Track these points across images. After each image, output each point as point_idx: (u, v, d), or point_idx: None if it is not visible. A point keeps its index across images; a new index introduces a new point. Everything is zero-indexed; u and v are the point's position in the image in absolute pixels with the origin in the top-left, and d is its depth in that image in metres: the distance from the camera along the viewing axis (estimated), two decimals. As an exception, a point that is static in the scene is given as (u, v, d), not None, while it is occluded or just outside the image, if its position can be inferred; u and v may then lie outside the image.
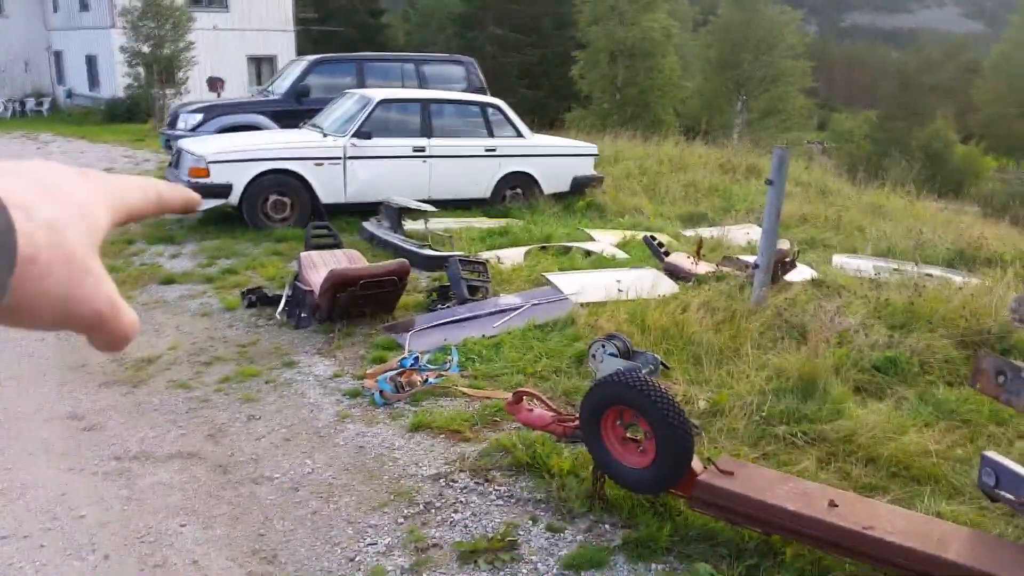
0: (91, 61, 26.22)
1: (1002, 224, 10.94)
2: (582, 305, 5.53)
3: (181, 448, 3.84)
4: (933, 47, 60.92)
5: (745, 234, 8.06)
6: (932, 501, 3.29)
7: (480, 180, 9.12)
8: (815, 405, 3.95)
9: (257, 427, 4.05)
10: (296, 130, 9.23)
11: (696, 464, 3.02)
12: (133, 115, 21.57)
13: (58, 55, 28.69)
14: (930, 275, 6.14)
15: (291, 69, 11.98)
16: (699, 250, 6.47)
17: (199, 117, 10.78)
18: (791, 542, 2.88)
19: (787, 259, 5.96)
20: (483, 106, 9.45)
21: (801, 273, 6.34)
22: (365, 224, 7.84)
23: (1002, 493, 2.80)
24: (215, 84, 17.37)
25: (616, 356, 4.24)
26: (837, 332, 4.71)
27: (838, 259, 7.35)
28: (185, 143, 8.62)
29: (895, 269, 6.41)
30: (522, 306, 5.63)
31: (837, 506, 2.78)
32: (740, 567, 2.80)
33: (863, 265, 6.97)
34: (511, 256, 7.09)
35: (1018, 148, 43.48)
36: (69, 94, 27.66)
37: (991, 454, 2.94)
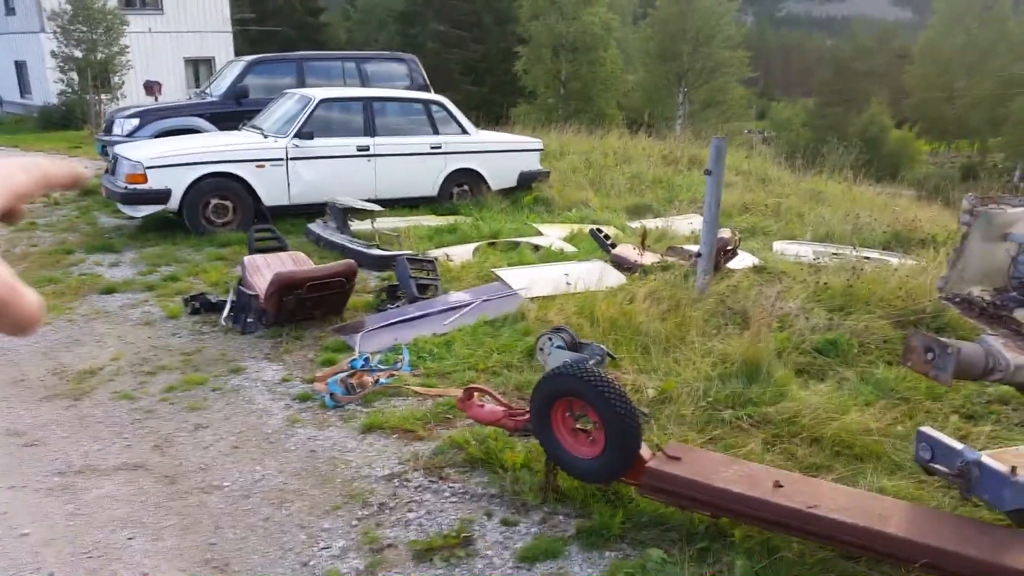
0: (20, 67, 25.33)
1: (935, 206, 11.32)
2: (532, 300, 5.57)
3: (127, 460, 3.76)
4: (865, 34, 62.62)
5: (689, 224, 8.19)
6: (874, 478, 3.40)
7: (426, 178, 9.09)
8: (759, 388, 4.05)
9: (205, 435, 3.98)
10: (236, 132, 9.07)
11: (645, 451, 3.07)
12: (68, 122, 20.91)
13: (-17, 61, 27.66)
14: (867, 258, 6.33)
15: (229, 70, 11.75)
16: (644, 241, 6.56)
17: (135, 122, 10.51)
18: (739, 524, 2.95)
19: (729, 247, 6.08)
20: (427, 103, 9.41)
21: (743, 260, 6.47)
22: (311, 226, 7.75)
23: (937, 466, 2.92)
24: (152, 88, 16.96)
25: (563, 348, 4.28)
26: (778, 317, 4.83)
27: (778, 245, 7.53)
28: (121, 149, 8.40)
29: (834, 253, 6.59)
30: (472, 303, 5.64)
31: (782, 486, 2.85)
32: (691, 550, 2.86)
33: (803, 250, 7.15)
34: (460, 253, 7.09)
35: (948, 132, 45.02)
36: (-1, 102, 26.72)
37: (926, 429, 3.06)
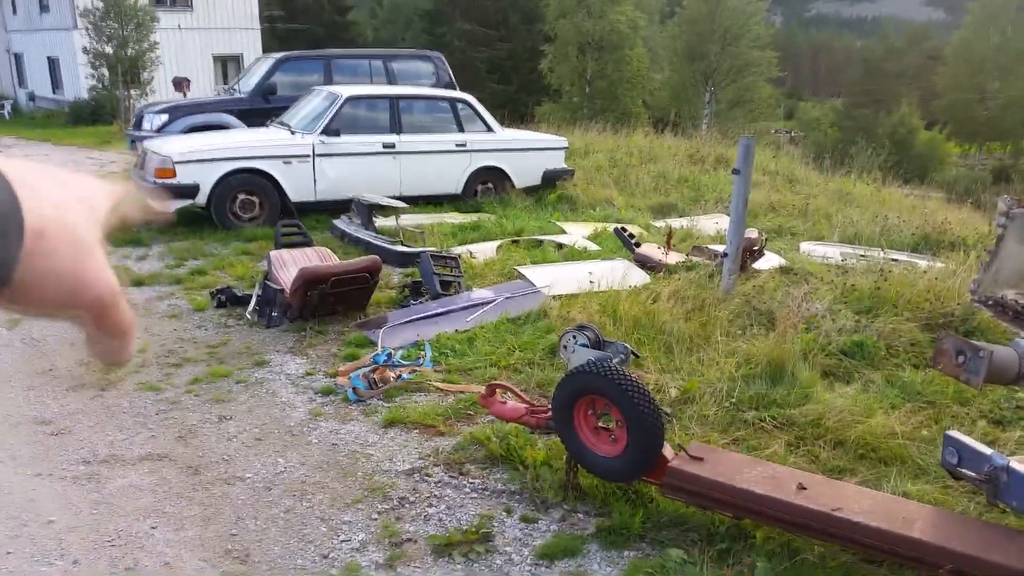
0: (53, 63, 25.75)
1: (965, 208, 11.14)
2: (554, 297, 5.55)
3: (151, 450, 3.80)
4: (896, 35, 61.78)
5: (714, 224, 8.13)
6: (898, 481, 3.35)
7: (451, 176, 9.11)
8: (784, 390, 4.01)
9: (228, 427, 4.02)
10: (263, 128, 9.15)
11: (667, 451, 3.05)
12: (98, 117, 21.24)
13: (18, 57, 28.15)
14: (896, 260, 6.24)
15: (257, 67, 11.86)
16: (669, 240, 6.52)
17: (164, 117, 10.64)
18: (761, 525, 2.92)
19: (755, 247, 6.03)
20: (452, 101, 9.42)
21: (769, 261, 6.41)
22: (336, 222, 7.80)
23: (964, 471, 2.87)
24: (181, 84, 17.14)
25: (587, 346, 4.26)
26: (805, 318, 4.78)
27: (805, 246, 7.45)
28: (151, 144, 8.51)
29: (861, 255, 6.51)
30: (495, 300, 5.64)
31: (805, 489, 2.82)
32: (711, 551, 2.84)
33: (830, 252, 7.07)
34: (483, 251, 7.09)
35: (980, 133, 44.27)
36: (31, 97, 27.14)
37: (954, 433, 3.01)
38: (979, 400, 4.08)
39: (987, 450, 2.85)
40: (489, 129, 9.36)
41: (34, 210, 0.42)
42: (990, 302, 2.76)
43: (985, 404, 4.08)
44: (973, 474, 2.81)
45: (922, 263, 6.29)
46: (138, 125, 11.13)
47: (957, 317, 4.98)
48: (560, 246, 7.33)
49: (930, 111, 46.24)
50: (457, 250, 6.87)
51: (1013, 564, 2.46)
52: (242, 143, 8.28)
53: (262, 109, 10.47)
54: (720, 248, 5.98)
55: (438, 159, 9.00)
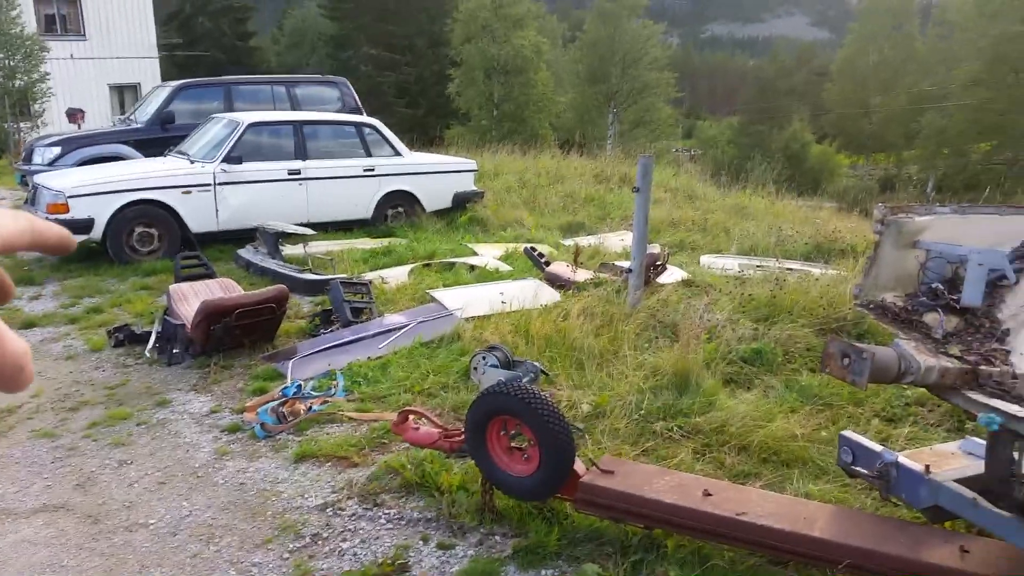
0: (-69, 95, 24.28)
1: (854, 217, 11.77)
2: (468, 319, 5.57)
3: (47, 501, 3.60)
4: (786, 54, 64.97)
5: (620, 240, 8.33)
6: (800, 482, 3.49)
7: (360, 201, 9.04)
8: (689, 399, 4.13)
9: (129, 472, 3.85)
10: (161, 158, 8.87)
11: (579, 466, 3.10)
12: (-15, 151, 20.13)
13: None
14: (790, 269, 6.54)
15: (155, 96, 11.51)
16: (577, 258, 6.64)
17: (57, 150, 10.19)
18: (672, 534, 2.99)
19: (658, 262, 6.21)
20: (359, 126, 9.37)
21: (672, 275, 6.61)
22: (240, 251, 7.62)
23: (858, 469, 3.02)
24: (75, 115, 16.42)
25: (497, 367, 4.29)
26: (707, 328, 4.94)
27: (706, 259, 7.71)
28: (42, 178, 8.13)
29: (758, 266, 6.79)
30: (408, 324, 5.61)
31: (712, 495, 2.91)
32: (626, 563, 2.89)
33: (729, 263, 7.35)
34: (395, 275, 7.05)
35: (866, 146, 46.91)
36: (-91, 131, 25.49)
37: (848, 433, 3.17)
38: (872, 400, 4.30)
39: (878, 448, 3.01)
40: (397, 153, 9.35)
41: None
42: (872, 306, 2.92)
43: (878, 403, 4.30)
44: (867, 471, 2.96)
45: (815, 271, 6.60)
46: (28, 159, 10.61)
47: (849, 321, 5.25)
48: (472, 268, 7.36)
49: (820, 126, 48.76)
50: (368, 276, 6.81)
51: (905, 554, 2.60)
52: (138, 174, 8.00)
53: (160, 139, 10.16)
54: (626, 264, 6.13)
55: (346, 184, 8.92)
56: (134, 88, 24.92)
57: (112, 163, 9.38)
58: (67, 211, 7.36)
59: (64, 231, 0.57)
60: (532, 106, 32.48)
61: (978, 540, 2.68)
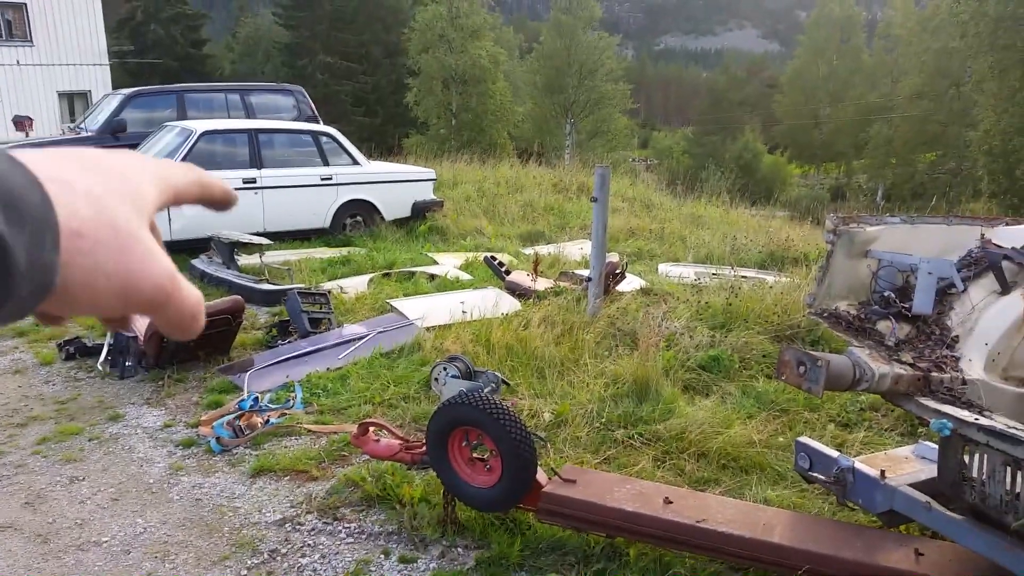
0: None
1: (806, 225, 12.01)
2: (428, 329, 5.54)
3: (-8, 522, 3.48)
4: (737, 66, 66.25)
5: (579, 249, 8.38)
6: (759, 488, 3.54)
7: (318, 210, 8.95)
8: (649, 407, 4.17)
9: (81, 489, 3.74)
10: (112, 167, 8.67)
11: (541, 476, 3.10)
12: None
13: None
14: (745, 277, 6.64)
15: (106, 104, 11.25)
16: (536, 267, 6.66)
17: (0, 158, 9.88)
18: (634, 542, 3.01)
19: (617, 271, 6.26)
20: (315, 135, 9.29)
21: (631, 283, 6.67)
22: (194, 262, 7.47)
23: (815, 475, 3.07)
24: (22, 123, 15.95)
25: (458, 377, 4.27)
26: (665, 336, 5.00)
27: (663, 268, 7.81)
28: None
29: (714, 274, 6.88)
30: (367, 335, 5.56)
31: (672, 502, 2.93)
32: (588, 573, 2.89)
33: (685, 272, 7.44)
34: (354, 285, 6.99)
35: (817, 156, 47.99)
36: None
37: (804, 439, 3.22)
38: (827, 406, 4.39)
39: (834, 453, 3.06)
40: (355, 162, 9.29)
41: (68, 207, 0.40)
42: (825, 314, 2.98)
43: (833, 409, 4.39)
44: (823, 477, 3.01)
45: (769, 279, 6.72)
46: (-31, 168, 10.27)
47: (803, 328, 5.35)
48: (432, 277, 7.33)
49: (772, 136, 49.80)
50: (327, 286, 6.74)
51: (862, 558, 2.65)
52: (88, 184, 7.80)
53: (112, 147, 9.92)
54: (585, 273, 6.17)
55: (303, 193, 8.83)
56: (84, 96, 24.33)
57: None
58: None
59: (228, 187, 0.56)
60: (490, 116, 32.52)
61: (932, 543, 2.75)
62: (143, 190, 0.46)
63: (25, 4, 23.07)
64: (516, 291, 6.45)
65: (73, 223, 0.40)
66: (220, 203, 0.56)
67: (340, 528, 3.35)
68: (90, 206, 0.42)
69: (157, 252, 0.44)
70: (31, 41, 23.61)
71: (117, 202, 0.43)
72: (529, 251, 8.53)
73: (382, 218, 9.36)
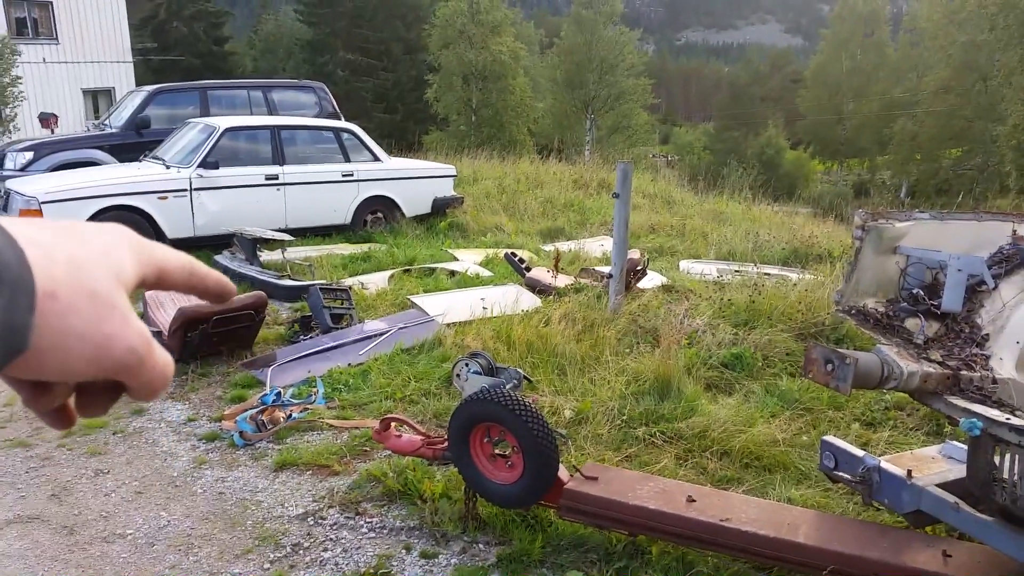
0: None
1: (830, 222, 11.88)
2: (448, 325, 5.54)
3: (21, 512, 3.53)
4: (760, 61, 65.68)
5: (600, 246, 8.35)
6: (782, 488, 3.51)
7: (339, 206, 8.99)
8: (671, 404, 4.14)
9: (106, 482, 3.78)
10: (136, 164, 8.75)
11: (563, 473, 3.09)
12: (-48, 157, 19.72)
13: None
14: (768, 274, 6.58)
15: (129, 100, 11.36)
16: (557, 263, 6.64)
17: (29, 155, 10.01)
18: (656, 540, 2.99)
19: (638, 267, 6.22)
20: (337, 131, 9.32)
21: (652, 280, 6.63)
22: (218, 257, 7.53)
23: (840, 474, 3.04)
24: (48, 120, 16.15)
25: (480, 374, 4.27)
26: (687, 334, 4.96)
27: (684, 264, 7.75)
28: (14, 183, 7.99)
29: (736, 271, 6.82)
30: (388, 331, 5.57)
31: (695, 501, 2.91)
32: (610, 570, 2.88)
33: (707, 269, 7.39)
34: (375, 281, 7.01)
35: (840, 151, 47.46)
36: None
37: (830, 438, 3.18)
38: (852, 404, 4.33)
39: (860, 452, 3.02)
40: (376, 158, 9.31)
41: (45, 269, 0.41)
42: (853, 311, 2.94)
43: (858, 408, 4.34)
44: (848, 476, 2.97)
45: (792, 276, 6.65)
46: (0, 164, 10.42)
47: (827, 326, 5.29)
48: (452, 273, 7.33)
49: (794, 132, 49.31)
50: (348, 282, 6.76)
51: (888, 559, 2.61)
52: (113, 179, 7.89)
53: (135, 144, 10.03)
54: (606, 269, 6.14)
55: (324, 190, 8.86)
56: (108, 93, 24.58)
57: (86, 168, 9.25)
58: (40, 217, 7.23)
59: (224, 278, 0.56)
60: (510, 112, 32.49)
61: (960, 544, 2.71)
62: (123, 260, 0.47)
63: (51, 3, 23.35)
64: (536, 288, 6.44)
65: (48, 285, 0.41)
66: (215, 295, 0.55)
67: (362, 523, 3.36)
68: (68, 270, 0.42)
69: (132, 318, 0.45)
70: (56, 39, 23.89)
71: (95, 268, 0.44)
72: (549, 247, 8.50)
73: (402, 214, 9.38)
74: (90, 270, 0.44)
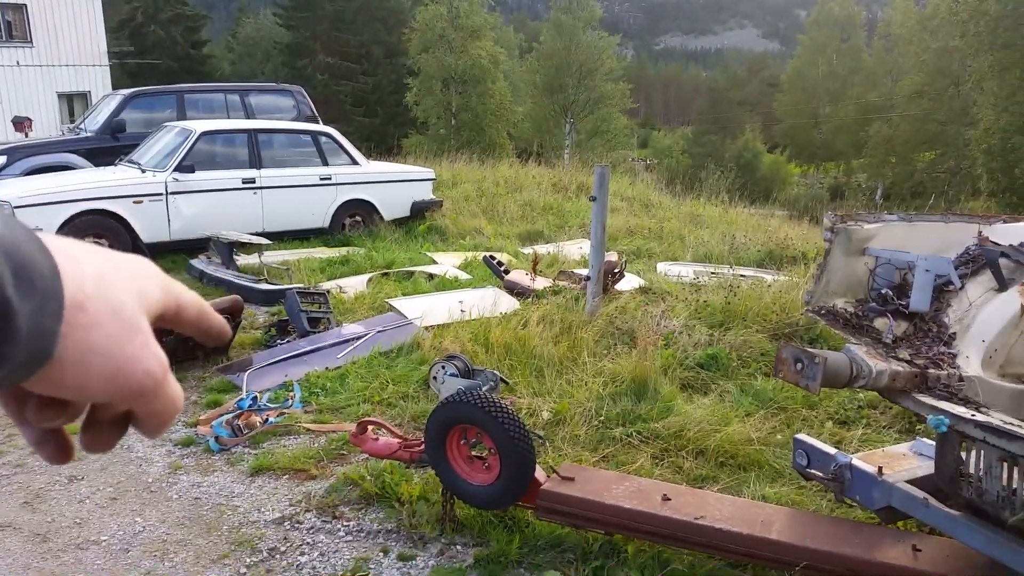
0: None
1: (805, 224, 12.01)
2: (427, 328, 5.55)
3: (-9, 521, 3.49)
4: (737, 65, 66.26)
5: (579, 248, 8.39)
6: (757, 486, 3.54)
7: (317, 210, 8.96)
8: (647, 405, 4.17)
9: (80, 488, 3.75)
10: (112, 168, 8.68)
11: (540, 474, 3.10)
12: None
13: None
14: (744, 276, 6.65)
15: (105, 104, 11.27)
16: (535, 266, 6.67)
17: (2, 160, 9.90)
18: (632, 539, 3.01)
19: (616, 270, 6.26)
20: (315, 135, 9.30)
21: (629, 282, 6.67)
22: (193, 262, 7.48)
23: (813, 472, 3.07)
24: (22, 124, 15.96)
25: (457, 376, 4.28)
26: (663, 335, 5.00)
27: (662, 267, 7.81)
28: (-15, 187, 7.89)
29: (712, 272, 6.88)
30: (366, 334, 5.56)
31: (670, 499, 2.94)
32: (587, 570, 2.90)
33: (684, 271, 7.44)
34: (353, 284, 6.99)
35: (816, 155, 47.99)
36: None
37: (802, 436, 3.22)
38: (825, 403, 4.39)
39: (832, 450, 3.06)
40: (354, 162, 9.30)
41: (75, 280, 0.41)
42: (823, 312, 2.98)
43: (831, 406, 4.39)
44: (821, 474, 3.01)
45: (768, 277, 6.72)
46: (-29, 168, 10.29)
47: (801, 326, 5.35)
48: (431, 276, 7.33)
49: (771, 135, 49.82)
50: (326, 285, 6.74)
51: (860, 555, 2.65)
52: (88, 183, 7.81)
53: (111, 148, 9.95)
54: (584, 272, 6.17)
55: (302, 193, 8.83)
56: (84, 96, 24.33)
57: (61, 173, 9.16)
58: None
59: (224, 323, 0.57)
60: (490, 116, 32.54)
61: (929, 539, 2.75)
62: (148, 286, 0.47)
63: (25, 5, 23.08)
64: (515, 290, 6.46)
65: (78, 296, 0.41)
66: (215, 337, 0.56)
67: (339, 526, 3.35)
68: (97, 285, 0.43)
69: (153, 343, 0.45)
70: (31, 42, 23.61)
71: (123, 288, 0.44)
72: (528, 250, 8.53)
73: (381, 218, 9.37)
74: (118, 289, 0.44)
